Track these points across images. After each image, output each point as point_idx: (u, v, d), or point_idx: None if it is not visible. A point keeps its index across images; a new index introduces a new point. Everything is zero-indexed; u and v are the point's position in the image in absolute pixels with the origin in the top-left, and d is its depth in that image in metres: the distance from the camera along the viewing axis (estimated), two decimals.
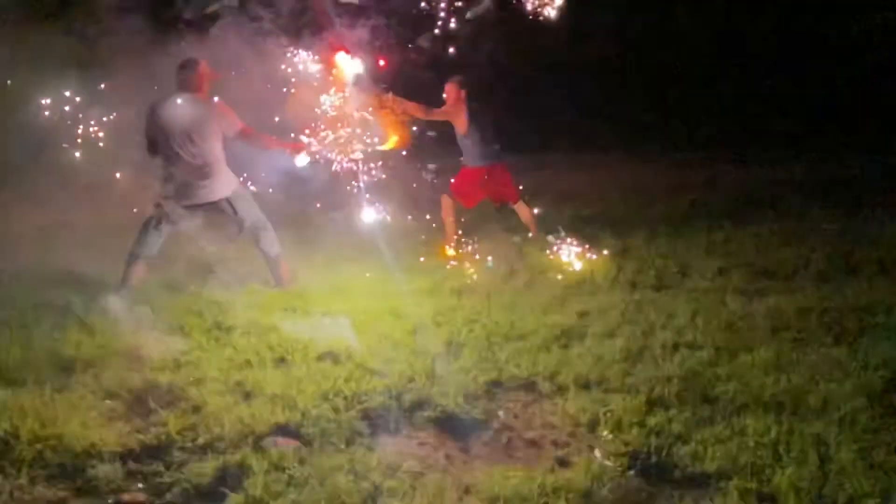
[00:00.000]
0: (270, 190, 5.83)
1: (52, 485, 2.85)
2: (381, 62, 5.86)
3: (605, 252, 6.01)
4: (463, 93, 6.23)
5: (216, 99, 5.07)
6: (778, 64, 13.22)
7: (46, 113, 6.84)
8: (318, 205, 6.72)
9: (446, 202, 6.37)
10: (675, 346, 4.03)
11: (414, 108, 6.05)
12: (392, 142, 5.87)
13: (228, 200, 5.09)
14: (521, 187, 6.60)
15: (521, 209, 6.56)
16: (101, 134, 6.45)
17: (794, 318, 4.40)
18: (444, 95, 6.32)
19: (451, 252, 6.26)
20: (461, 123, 6.22)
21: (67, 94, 6.76)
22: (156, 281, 5.12)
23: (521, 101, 12.72)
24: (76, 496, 2.79)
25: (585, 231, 6.72)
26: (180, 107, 4.88)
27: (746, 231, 6.69)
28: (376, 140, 5.79)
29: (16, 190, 7.14)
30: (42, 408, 3.33)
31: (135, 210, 5.35)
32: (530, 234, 6.48)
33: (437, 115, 6.22)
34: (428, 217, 6.76)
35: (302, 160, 5.31)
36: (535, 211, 6.65)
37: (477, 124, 6.23)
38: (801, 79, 12.86)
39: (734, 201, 8.25)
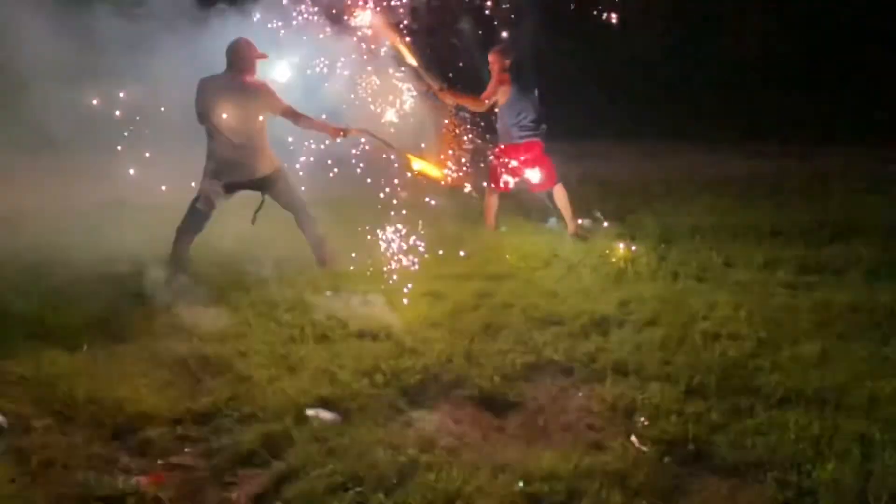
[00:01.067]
0: (308, 170, 5.94)
1: (106, 445, 2.99)
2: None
3: (648, 241, 5.95)
4: (507, 62, 5.94)
5: (262, 79, 5.13)
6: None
7: (97, 94, 7.08)
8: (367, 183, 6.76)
9: (488, 190, 6.27)
10: (717, 337, 3.98)
11: (467, 102, 5.97)
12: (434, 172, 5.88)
13: (269, 179, 5.17)
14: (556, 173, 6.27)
15: (558, 195, 6.21)
16: (151, 114, 6.61)
17: (841, 314, 4.31)
18: (489, 68, 6.10)
19: (489, 233, 6.22)
20: (503, 94, 5.94)
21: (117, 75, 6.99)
22: (205, 257, 5.27)
23: (569, 87, 12.58)
24: (128, 456, 2.92)
25: (628, 220, 6.66)
26: (225, 85, 4.99)
27: (795, 224, 6.53)
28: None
29: (75, 168, 7.40)
30: (97, 372, 3.49)
31: (175, 189, 5.50)
32: (568, 230, 6.19)
33: (488, 96, 6.00)
34: (472, 202, 6.77)
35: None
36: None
37: (519, 96, 5.95)
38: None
39: (785, 193, 8.07)
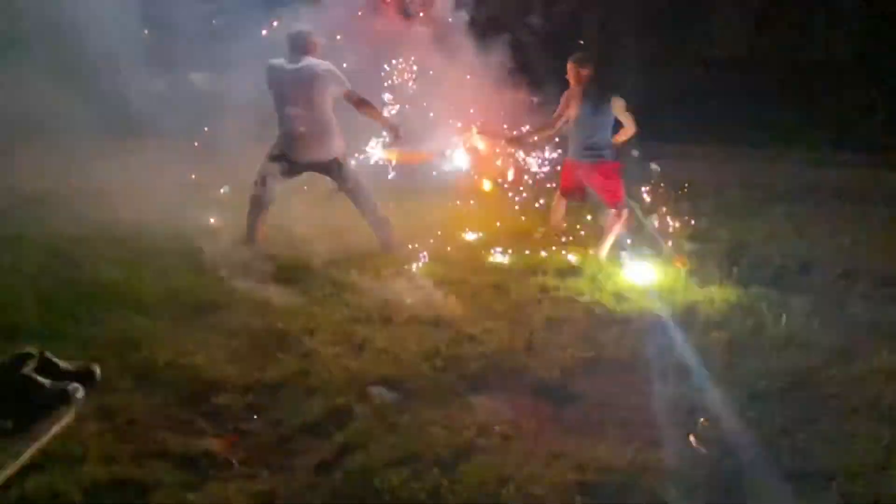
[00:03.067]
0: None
1: (183, 407, 3.18)
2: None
3: (721, 245, 5.81)
4: (583, 72, 5.42)
5: (327, 62, 5.19)
6: None
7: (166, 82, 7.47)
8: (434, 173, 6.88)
9: (557, 192, 5.99)
10: (787, 343, 3.87)
11: (538, 134, 5.81)
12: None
13: (332, 163, 5.25)
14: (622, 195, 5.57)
15: (612, 218, 5.51)
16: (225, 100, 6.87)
17: None
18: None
19: (556, 230, 6.16)
20: (573, 108, 5.46)
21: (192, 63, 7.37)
22: (280, 239, 5.47)
23: (654, 91, 12.30)
24: (202, 419, 3.10)
25: (701, 223, 6.51)
26: (291, 68, 5.12)
27: (878, 236, 6.24)
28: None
29: (156, 151, 7.76)
30: (177, 340, 3.71)
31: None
32: (599, 250, 5.54)
33: (558, 116, 5.56)
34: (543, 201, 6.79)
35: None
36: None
37: (590, 112, 5.39)
38: None
39: (871, 204, 7.68)
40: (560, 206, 5.95)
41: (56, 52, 6.70)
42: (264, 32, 6.37)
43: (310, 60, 5.14)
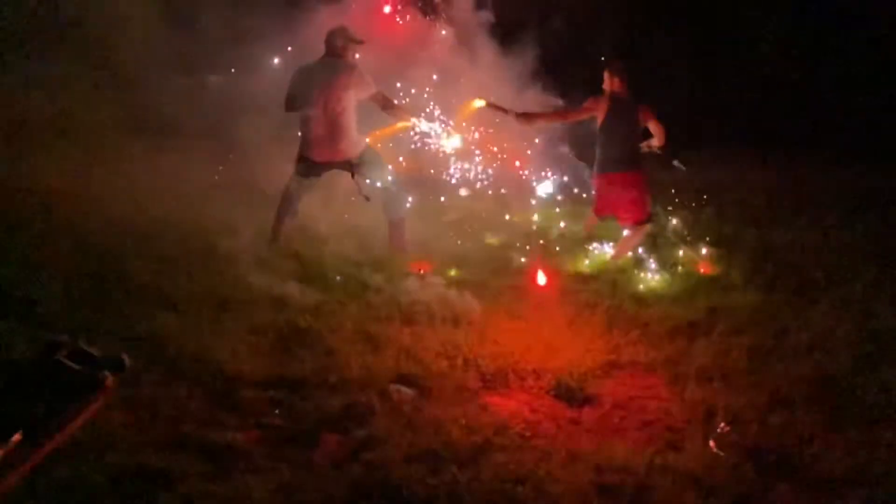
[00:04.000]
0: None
1: (207, 401, 3.23)
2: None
3: (745, 251, 5.75)
4: (615, 81, 5.27)
5: (354, 63, 5.28)
6: None
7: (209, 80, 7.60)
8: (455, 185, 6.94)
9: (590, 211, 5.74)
10: (810, 350, 3.83)
11: (547, 118, 5.77)
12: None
13: (355, 162, 5.31)
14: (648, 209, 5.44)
15: (635, 232, 5.38)
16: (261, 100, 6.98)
17: None
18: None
19: (580, 234, 6.13)
20: (600, 114, 5.29)
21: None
22: (302, 237, 5.54)
23: (679, 92, 12.20)
24: (225, 413, 3.16)
25: (725, 229, 6.46)
26: (319, 68, 5.23)
27: None
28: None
29: (180, 151, 7.88)
30: (202, 336, 3.78)
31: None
32: (613, 254, 5.50)
33: (577, 112, 5.47)
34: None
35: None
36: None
37: (613, 123, 5.21)
38: None
39: None
40: (592, 219, 5.78)
41: (85, 53, 6.85)
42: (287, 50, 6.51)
43: (338, 61, 5.21)
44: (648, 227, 5.47)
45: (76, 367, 1.96)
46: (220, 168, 7.11)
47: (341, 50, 5.25)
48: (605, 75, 5.36)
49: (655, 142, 5.55)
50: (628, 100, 5.31)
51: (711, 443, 2.99)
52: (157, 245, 5.27)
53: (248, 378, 3.41)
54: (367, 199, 5.35)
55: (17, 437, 1.65)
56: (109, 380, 1.97)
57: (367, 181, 5.39)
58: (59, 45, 7.07)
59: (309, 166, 5.35)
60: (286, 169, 5.55)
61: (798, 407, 3.24)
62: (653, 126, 5.36)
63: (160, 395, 3.22)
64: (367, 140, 5.48)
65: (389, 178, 5.43)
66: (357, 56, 5.43)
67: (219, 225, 5.65)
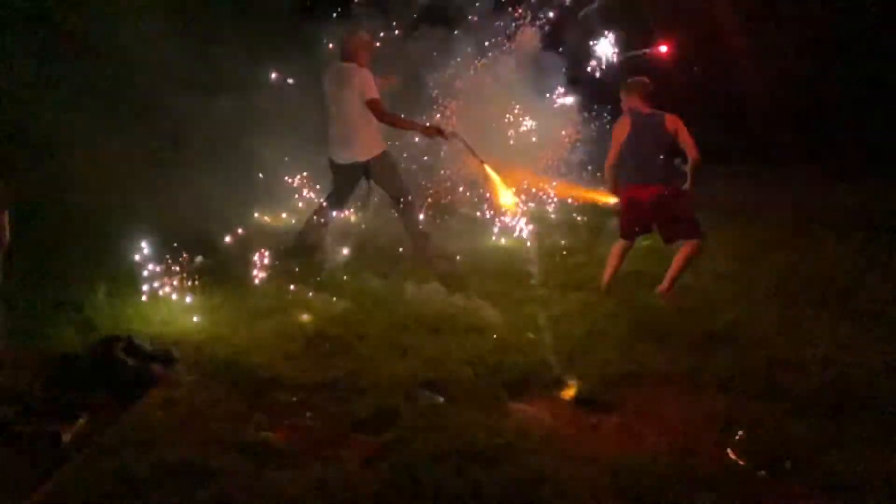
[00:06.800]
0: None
1: (242, 402, 3.41)
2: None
3: (768, 266, 5.80)
4: (631, 98, 5.12)
5: (362, 67, 5.42)
6: None
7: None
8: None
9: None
10: (830, 361, 3.88)
11: (609, 171, 5.17)
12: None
13: (365, 166, 5.46)
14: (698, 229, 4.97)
15: (683, 252, 4.94)
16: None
17: None
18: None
19: (601, 247, 6.13)
20: (622, 131, 5.11)
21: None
22: (330, 246, 5.70)
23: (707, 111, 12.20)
24: (259, 414, 3.32)
25: (746, 246, 6.50)
26: (333, 72, 5.48)
27: None
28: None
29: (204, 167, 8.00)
30: (238, 341, 3.97)
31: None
32: (661, 286, 5.03)
33: (614, 147, 5.14)
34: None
35: None
36: None
37: (634, 138, 5.01)
38: None
39: None
40: (616, 251, 5.27)
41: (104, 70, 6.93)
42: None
43: (350, 65, 5.42)
44: (694, 245, 4.94)
45: (131, 361, 2.13)
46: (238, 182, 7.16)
47: (353, 53, 5.44)
48: (622, 95, 5.20)
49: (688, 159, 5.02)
50: (650, 114, 5.06)
51: (728, 450, 3.07)
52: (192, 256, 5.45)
53: (280, 382, 3.59)
54: (363, 205, 5.60)
55: (81, 420, 1.80)
56: (160, 372, 2.13)
57: (372, 184, 5.55)
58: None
59: (334, 168, 5.56)
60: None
61: (818, 416, 3.30)
62: (682, 136, 4.95)
63: (198, 397, 3.40)
64: (386, 147, 5.58)
65: (401, 188, 5.54)
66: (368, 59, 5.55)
67: (251, 236, 5.83)
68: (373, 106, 5.39)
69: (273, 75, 7.25)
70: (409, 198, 5.57)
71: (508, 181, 6.14)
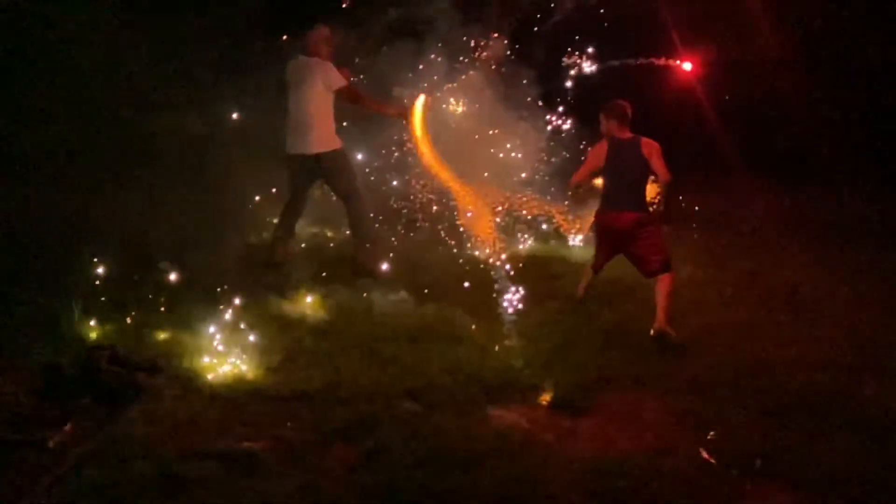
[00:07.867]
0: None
1: (223, 413, 3.42)
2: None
3: (736, 271, 5.95)
4: (611, 123, 4.91)
5: (323, 60, 5.45)
6: None
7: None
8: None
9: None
10: (800, 364, 4.01)
11: (576, 183, 5.09)
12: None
13: (318, 158, 5.44)
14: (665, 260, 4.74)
15: (663, 289, 4.64)
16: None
17: None
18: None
19: (578, 258, 6.25)
20: (596, 158, 4.99)
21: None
22: (313, 260, 5.72)
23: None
24: (241, 425, 3.33)
25: (715, 251, 6.66)
26: (293, 64, 5.53)
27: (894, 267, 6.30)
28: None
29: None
30: (220, 353, 3.95)
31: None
32: (654, 328, 4.51)
33: (586, 167, 5.06)
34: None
35: None
36: None
37: (613, 167, 4.88)
38: None
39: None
40: (586, 274, 5.23)
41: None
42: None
43: (310, 57, 5.45)
44: (669, 278, 4.72)
45: (115, 370, 2.15)
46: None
47: (314, 47, 5.48)
48: (601, 118, 5.00)
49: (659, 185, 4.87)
50: (627, 141, 4.88)
51: (701, 449, 3.16)
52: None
53: (260, 393, 3.61)
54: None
55: (68, 427, 1.83)
56: (144, 381, 2.16)
57: (323, 178, 5.58)
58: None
59: (285, 161, 5.56)
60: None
61: (785, 416, 3.42)
62: (654, 162, 4.76)
63: (179, 409, 3.41)
64: (340, 146, 5.54)
65: (351, 188, 5.53)
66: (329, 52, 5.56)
67: (231, 249, 5.83)
68: (345, 93, 5.44)
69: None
70: (359, 199, 5.57)
71: (479, 194, 6.22)
